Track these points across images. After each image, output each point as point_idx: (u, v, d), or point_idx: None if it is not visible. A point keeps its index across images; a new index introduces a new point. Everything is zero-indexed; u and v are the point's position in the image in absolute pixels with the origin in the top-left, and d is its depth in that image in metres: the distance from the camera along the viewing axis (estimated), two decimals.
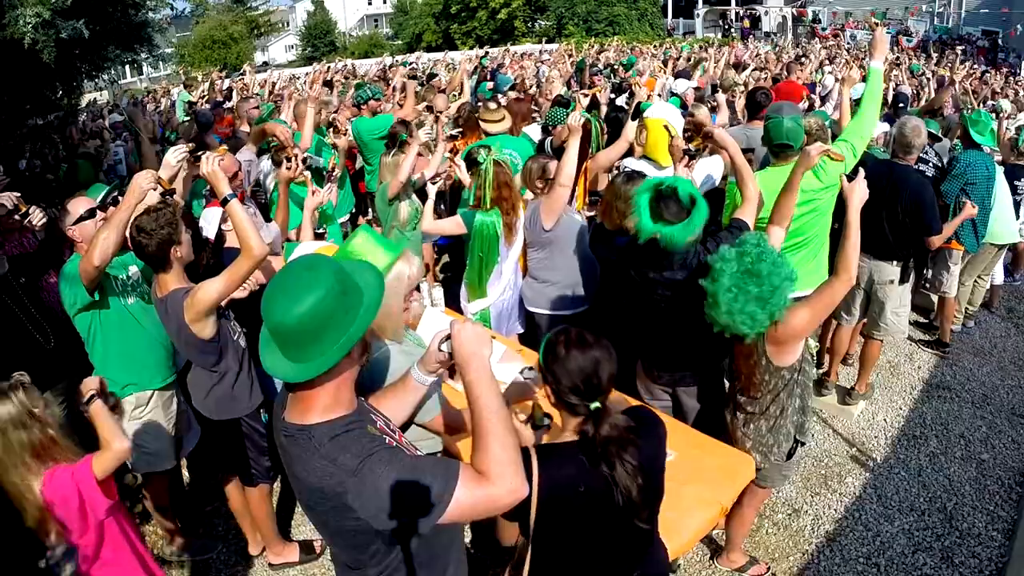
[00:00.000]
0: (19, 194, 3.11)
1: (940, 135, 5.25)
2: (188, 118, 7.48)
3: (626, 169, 3.66)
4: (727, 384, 2.81)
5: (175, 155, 2.82)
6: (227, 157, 3.60)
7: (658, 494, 1.80)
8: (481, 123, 4.90)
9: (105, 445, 2.13)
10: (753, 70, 9.22)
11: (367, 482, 1.35)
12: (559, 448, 1.74)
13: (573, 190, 3.91)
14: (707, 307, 2.34)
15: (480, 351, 1.46)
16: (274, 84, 10.59)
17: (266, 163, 4.51)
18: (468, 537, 3.05)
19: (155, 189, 2.71)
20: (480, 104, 5.65)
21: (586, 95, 5.20)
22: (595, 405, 1.69)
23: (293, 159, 3.62)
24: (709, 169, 4.09)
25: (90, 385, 2.27)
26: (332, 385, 1.42)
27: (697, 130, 3.90)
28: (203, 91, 9.42)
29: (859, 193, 2.56)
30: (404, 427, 1.79)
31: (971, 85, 8.62)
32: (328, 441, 1.39)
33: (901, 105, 6.26)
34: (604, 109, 5.73)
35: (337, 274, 1.39)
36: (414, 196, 4.28)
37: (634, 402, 2.58)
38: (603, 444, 1.63)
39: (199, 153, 3.21)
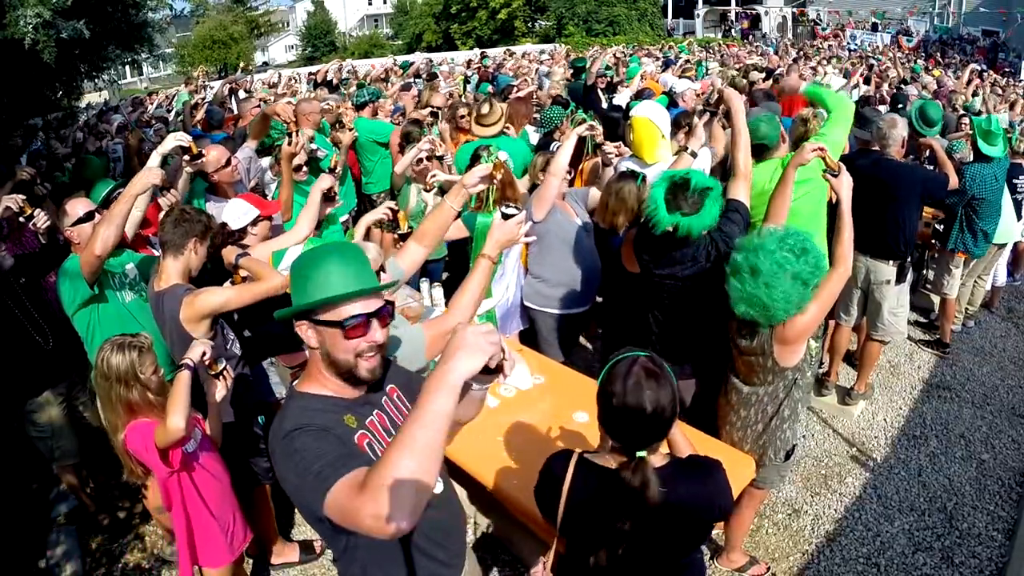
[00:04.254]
0: (25, 196, 3.13)
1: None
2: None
3: (621, 168, 3.65)
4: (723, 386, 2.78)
5: (178, 136, 2.95)
6: (218, 149, 3.63)
7: (687, 541, 1.75)
8: (474, 127, 4.80)
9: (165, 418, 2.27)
10: (755, 70, 9.21)
11: (286, 449, 1.38)
12: (598, 469, 1.71)
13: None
14: (739, 282, 2.29)
15: (457, 358, 1.18)
16: (275, 84, 10.60)
17: (266, 160, 4.51)
18: (473, 540, 3.05)
19: (158, 186, 2.77)
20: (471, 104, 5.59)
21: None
22: (640, 454, 1.62)
23: (294, 135, 3.62)
24: (699, 162, 4.08)
25: (192, 352, 2.38)
26: (313, 360, 1.51)
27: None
28: (202, 94, 9.44)
29: (846, 185, 2.57)
30: None
31: (976, 87, 8.59)
32: (291, 407, 1.48)
33: (900, 106, 6.26)
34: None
35: (327, 255, 1.49)
36: (423, 192, 4.22)
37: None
38: (629, 494, 1.60)
39: (198, 152, 3.23)
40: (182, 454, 2.37)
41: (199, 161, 3.38)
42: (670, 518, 1.66)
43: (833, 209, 3.50)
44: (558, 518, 1.71)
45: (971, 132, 4.66)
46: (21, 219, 3.08)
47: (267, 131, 4.30)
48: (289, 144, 3.67)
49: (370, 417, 1.53)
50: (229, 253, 2.82)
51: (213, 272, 2.94)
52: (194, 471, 2.45)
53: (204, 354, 2.39)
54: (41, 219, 3.06)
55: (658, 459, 1.73)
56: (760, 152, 3.45)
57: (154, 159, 3.05)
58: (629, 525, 1.63)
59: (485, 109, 4.81)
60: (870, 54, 17.86)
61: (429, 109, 5.83)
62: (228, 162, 3.65)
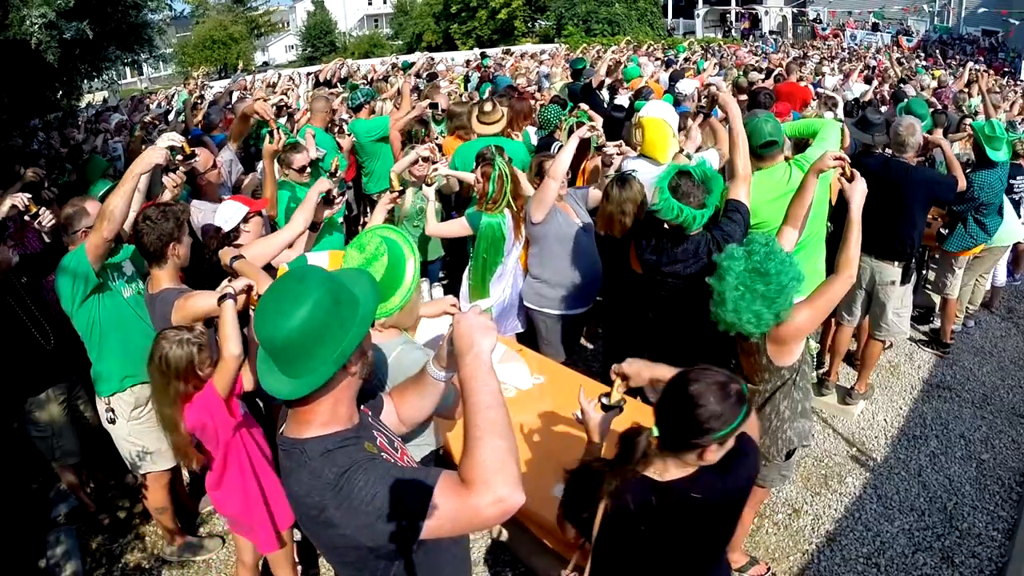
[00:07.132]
0: (30, 195, 3.14)
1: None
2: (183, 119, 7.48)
3: (624, 171, 3.65)
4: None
5: (171, 136, 2.92)
6: (203, 153, 3.64)
7: (727, 533, 1.77)
8: (475, 124, 4.74)
9: (220, 354, 2.29)
10: (753, 71, 9.23)
11: (344, 495, 1.29)
12: (659, 487, 1.69)
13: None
14: (713, 305, 2.32)
15: (479, 342, 1.34)
16: (274, 84, 10.60)
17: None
18: (485, 547, 3.05)
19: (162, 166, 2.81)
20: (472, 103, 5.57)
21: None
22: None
23: (276, 132, 3.62)
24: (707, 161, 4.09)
25: (236, 282, 2.36)
26: (330, 400, 1.38)
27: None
28: (198, 93, 9.44)
29: (860, 192, 2.54)
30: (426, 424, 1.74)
31: (983, 86, 8.57)
32: (319, 456, 1.35)
33: (903, 101, 6.25)
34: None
35: (328, 285, 1.34)
36: (422, 191, 4.22)
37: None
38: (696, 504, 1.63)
39: (191, 152, 3.24)
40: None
41: (191, 161, 3.38)
42: (713, 518, 1.68)
43: (836, 210, 3.52)
44: (595, 527, 1.68)
45: (972, 134, 4.66)
46: (27, 217, 3.09)
47: (247, 131, 4.27)
48: (271, 143, 3.65)
49: (377, 440, 1.50)
50: (225, 255, 2.82)
51: (212, 273, 2.94)
52: (246, 438, 2.50)
53: (249, 287, 2.36)
54: (46, 218, 3.06)
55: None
56: (769, 150, 3.40)
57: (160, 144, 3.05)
58: (692, 532, 1.64)
59: (488, 107, 4.73)
60: (866, 53, 17.85)
61: (428, 101, 5.85)
62: (213, 164, 3.65)
